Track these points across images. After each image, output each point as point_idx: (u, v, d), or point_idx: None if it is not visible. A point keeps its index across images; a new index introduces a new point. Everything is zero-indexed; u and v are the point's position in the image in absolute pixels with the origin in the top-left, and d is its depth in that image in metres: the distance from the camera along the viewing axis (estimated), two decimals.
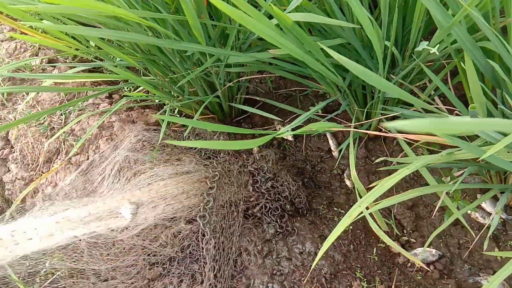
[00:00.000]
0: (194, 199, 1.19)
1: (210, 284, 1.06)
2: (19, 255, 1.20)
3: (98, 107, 1.57)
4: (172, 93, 1.51)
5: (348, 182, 1.50)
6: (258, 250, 1.20)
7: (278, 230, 1.25)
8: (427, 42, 0.79)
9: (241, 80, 1.50)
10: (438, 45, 0.73)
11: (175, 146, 1.45)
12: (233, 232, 1.15)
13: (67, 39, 1.08)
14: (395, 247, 0.96)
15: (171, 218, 1.17)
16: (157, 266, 1.14)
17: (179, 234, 1.17)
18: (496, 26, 0.85)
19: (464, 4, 0.66)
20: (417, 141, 1.02)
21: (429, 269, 1.28)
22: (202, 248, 1.09)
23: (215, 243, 1.10)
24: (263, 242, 1.22)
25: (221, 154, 1.45)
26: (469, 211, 1.35)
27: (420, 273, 1.29)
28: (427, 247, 1.32)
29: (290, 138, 1.65)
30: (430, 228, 1.38)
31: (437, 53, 0.70)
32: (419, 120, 0.27)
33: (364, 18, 0.74)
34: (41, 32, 1.12)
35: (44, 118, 1.51)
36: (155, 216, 1.11)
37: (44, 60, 1.73)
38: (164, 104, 1.63)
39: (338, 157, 1.53)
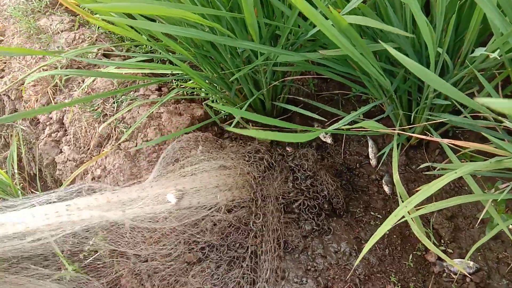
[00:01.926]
0: (236, 191, 1.23)
1: (247, 271, 1.10)
2: (68, 231, 1.29)
3: (148, 98, 1.64)
4: (219, 88, 1.57)
5: (386, 188, 1.50)
6: (294, 245, 1.22)
7: (314, 227, 1.27)
8: (484, 48, 0.80)
9: (287, 79, 1.53)
10: (498, 50, 0.73)
11: (219, 143, 1.50)
12: (272, 226, 1.18)
13: (130, 32, 1.15)
14: (436, 251, 0.96)
15: (212, 207, 1.21)
16: (196, 251, 1.19)
17: (219, 223, 1.22)
18: None
19: None
20: (464, 148, 1.01)
21: (465, 281, 1.27)
22: (246, 237, 1.13)
23: (256, 232, 1.14)
24: (299, 238, 1.24)
25: (262, 151, 1.49)
26: (511, 226, 1.32)
27: (456, 284, 1.27)
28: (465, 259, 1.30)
29: (329, 141, 1.67)
30: (468, 240, 1.36)
31: (498, 57, 0.71)
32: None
33: (422, 21, 0.76)
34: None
35: (98, 105, 1.60)
36: (198, 203, 1.16)
37: (100, 51, 1.83)
38: (209, 100, 1.69)
39: (378, 163, 1.53)
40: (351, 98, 1.74)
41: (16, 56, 1.81)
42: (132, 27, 1.25)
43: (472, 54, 0.85)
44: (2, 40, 2.09)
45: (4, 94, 1.95)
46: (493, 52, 0.74)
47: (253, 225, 1.19)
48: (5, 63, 1.98)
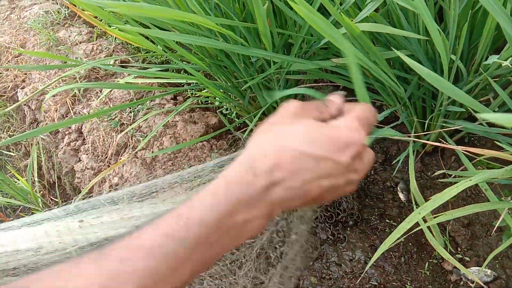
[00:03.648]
0: None
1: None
2: (84, 244, 1.31)
3: (163, 107, 1.67)
4: (233, 97, 1.59)
5: (401, 196, 1.49)
6: (308, 252, 1.23)
7: (329, 236, 1.27)
8: (497, 56, 0.80)
9: (300, 87, 1.54)
10: (511, 58, 0.73)
11: (233, 151, 1.51)
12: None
13: (145, 42, 1.18)
14: (451, 260, 0.95)
15: None
16: None
17: None
18: None
19: None
20: (480, 155, 1.01)
21: None
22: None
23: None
24: (314, 246, 1.25)
25: None
26: None
27: None
28: (481, 267, 1.28)
29: None
30: (486, 248, 1.34)
31: (510, 65, 0.71)
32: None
33: (434, 30, 0.76)
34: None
35: (115, 114, 1.64)
36: None
37: (117, 62, 1.87)
38: (223, 108, 1.71)
39: (394, 171, 1.52)
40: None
41: (36, 70, 1.87)
42: (147, 38, 1.28)
43: (486, 62, 0.85)
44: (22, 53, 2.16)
45: (24, 105, 2.01)
46: (505, 60, 0.74)
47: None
48: (25, 74, 2.05)
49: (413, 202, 1.12)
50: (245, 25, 1.08)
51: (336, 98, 0.52)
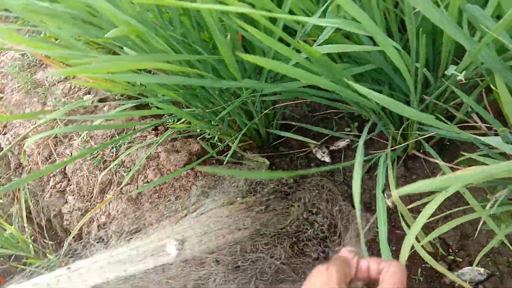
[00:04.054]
0: (237, 234, 1.24)
1: None
2: None
3: (145, 139, 1.68)
4: (213, 123, 1.60)
5: (388, 202, 1.50)
6: (301, 274, 1.23)
7: (320, 254, 1.27)
8: (455, 67, 0.82)
9: (277, 107, 1.56)
10: (464, 71, 0.75)
11: (218, 177, 1.52)
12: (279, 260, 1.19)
13: (117, 81, 1.19)
14: (445, 272, 0.96)
15: (214, 251, 1.22)
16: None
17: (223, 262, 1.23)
18: None
19: (489, 30, 0.69)
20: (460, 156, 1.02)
21: None
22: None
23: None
24: (305, 266, 1.25)
25: (265, 182, 1.50)
26: None
27: None
28: (475, 266, 1.29)
29: (327, 160, 1.69)
30: (477, 247, 1.35)
31: (463, 79, 0.72)
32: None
33: (388, 47, 0.78)
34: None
35: (97, 152, 1.64)
36: (201, 252, 1.17)
37: (95, 98, 1.88)
38: (205, 133, 1.72)
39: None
40: (345, 115, 1.76)
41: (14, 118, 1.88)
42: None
43: (446, 71, 0.87)
44: (2, 97, 2.17)
45: (8, 150, 2.01)
46: (461, 71, 0.75)
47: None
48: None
49: (399, 213, 1.13)
50: (213, 58, 1.09)
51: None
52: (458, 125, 1.25)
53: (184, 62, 1.15)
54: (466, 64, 0.85)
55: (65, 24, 1.11)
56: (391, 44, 0.77)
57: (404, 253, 0.79)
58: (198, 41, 1.18)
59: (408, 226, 1.23)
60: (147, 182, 1.52)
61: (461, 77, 0.71)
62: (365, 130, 1.37)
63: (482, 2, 0.90)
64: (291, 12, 1.03)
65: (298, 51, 0.97)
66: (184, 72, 1.09)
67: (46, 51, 0.92)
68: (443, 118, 1.17)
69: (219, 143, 1.71)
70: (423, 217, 0.78)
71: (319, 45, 0.99)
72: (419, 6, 0.68)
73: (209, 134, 1.71)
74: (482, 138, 0.72)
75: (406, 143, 1.25)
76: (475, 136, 1.07)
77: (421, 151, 1.51)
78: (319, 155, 1.71)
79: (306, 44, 0.83)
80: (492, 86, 0.96)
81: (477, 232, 1.08)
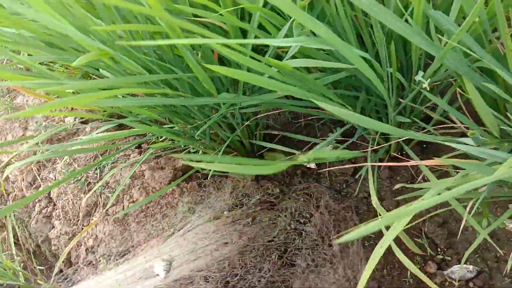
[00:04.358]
0: (225, 249, 1.23)
1: None
2: None
3: (129, 158, 1.67)
4: (195, 137, 1.59)
5: (375, 205, 1.51)
6: (291, 283, 1.22)
7: (309, 263, 1.27)
8: (423, 73, 0.82)
9: (258, 117, 1.56)
10: (433, 76, 0.76)
11: (204, 191, 1.51)
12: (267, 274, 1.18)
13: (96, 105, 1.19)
14: (421, 276, 0.97)
15: (203, 269, 1.21)
16: None
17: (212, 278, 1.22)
18: (493, 46, 0.88)
19: (448, 40, 0.69)
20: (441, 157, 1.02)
21: (468, 286, 1.26)
22: None
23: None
24: (295, 276, 1.24)
25: (252, 195, 1.50)
26: (505, 222, 1.32)
27: None
28: (464, 263, 1.30)
29: (313, 166, 1.69)
30: (464, 244, 1.36)
31: (428, 87, 0.73)
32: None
33: (355, 58, 0.78)
34: None
35: (81, 174, 1.62)
36: (189, 270, 1.16)
37: (77, 119, 1.86)
38: (189, 147, 1.72)
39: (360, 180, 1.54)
40: (327, 121, 1.77)
41: None
42: None
43: (416, 77, 0.88)
44: None
45: None
46: (430, 75, 0.76)
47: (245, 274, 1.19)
48: None
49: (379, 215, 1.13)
50: (188, 75, 1.09)
51: None
52: (436, 126, 1.26)
53: (160, 82, 1.15)
54: (435, 68, 0.86)
55: (35, 50, 1.10)
56: (357, 55, 0.77)
57: (375, 256, 0.79)
58: (171, 59, 1.18)
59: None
60: (133, 201, 1.51)
61: (426, 85, 0.72)
62: (339, 132, 1.38)
63: (446, 6, 0.92)
64: (260, 26, 1.04)
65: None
66: (159, 93, 1.09)
67: (18, 83, 0.91)
68: (418, 121, 1.18)
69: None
70: (395, 230, 0.78)
71: (291, 57, 1.00)
72: (380, 18, 0.69)
73: (193, 149, 1.70)
74: (453, 145, 0.73)
75: (386, 144, 1.26)
76: (451, 138, 1.08)
77: (403, 152, 1.52)
78: (313, 150, 1.71)
79: (275, 60, 0.84)
80: (463, 87, 0.97)
81: (460, 230, 1.09)
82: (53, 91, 0.85)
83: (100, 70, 1.31)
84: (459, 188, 0.44)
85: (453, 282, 1.28)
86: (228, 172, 1.63)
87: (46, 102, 2.08)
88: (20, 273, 1.73)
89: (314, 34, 0.84)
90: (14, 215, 1.84)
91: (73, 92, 1.37)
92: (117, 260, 1.38)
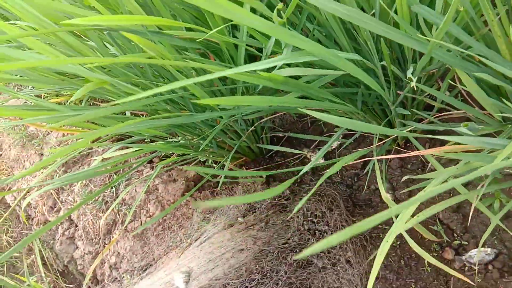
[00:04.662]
0: (241, 255, 1.26)
1: None
2: None
3: (142, 174, 1.71)
4: (204, 148, 1.62)
5: (388, 196, 1.51)
6: (307, 282, 1.24)
7: (325, 262, 1.28)
8: (412, 70, 0.83)
9: (262, 121, 1.57)
10: (416, 77, 0.76)
11: (219, 197, 1.54)
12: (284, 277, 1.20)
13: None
14: (438, 264, 0.97)
15: (221, 278, 1.24)
16: None
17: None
18: (481, 32, 0.87)
19: (431, 37, 0.70)
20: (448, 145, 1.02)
21: (488, 269, 1.26)
22: None
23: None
24: (312, 276, 1.26)
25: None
26: None
27: (479, 275, 1.26)
28: (482, 247, 1.29)
29: (322, 161, 1.70)
30: (481, 227, 1.35)
31: (416, 86, 0.73)
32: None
33: (342, 62, 0.79)
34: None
35: (98, 195, 1.67)
36: (208, 280, 1.19)
37: (89, 142, 1.91)
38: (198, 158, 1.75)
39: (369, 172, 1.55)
40: None
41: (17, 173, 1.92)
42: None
43: (407, 72, 0.88)
44: (1, 154, 2.22)
45: (16, 205, 2.06)
46: (421, 68, 0.76)
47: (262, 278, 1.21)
48: (8, 175, 2.10)
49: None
50: (188, 93, 1.12)
51: None
52: (438, 114, 1.26)
53: (162, 101, 1.18)
54: (424, 62, 0.86)
55: (39, 84, 1.15)
56: (345, 60, 0.78)
57: (382, 251, 0.80)
58: (170, 76, 1.20)
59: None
60: (150, 216, 1.55)
61: (413, 84, 0.72)
62: (338, 132, 1.39)
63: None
64: (251, 36, 1.06)
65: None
66: (162, 111, 1.12)
67: (27, 121, 0.95)
68: (418, 112, 1.18)
69: (214, 165, 1.73)
70: (399, 224, 0.79)
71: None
72: (362, 24, 0.70)
73: (202, 158, 1.73)
74: (448, 138, 0.73)
75: (391, 137, 1.26)
76: (453, 125, 1.08)
77: (410, 142, 1.52)
78: (313, 159, 1.73)
79: (266, 73, 0.85)
80: (458, 76, 0.97)
81: (474, 214, 1.08)
82: (69, 123, 0.89)
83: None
84: (454, 182, 0.45)
85: (472, 266, 1.28)
86: (238, 178, 1.65)
87: (56, 131, 2.13)
88: None
89: None
90: (40, 239, 1.91)
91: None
92: (140, 274, 1.42)
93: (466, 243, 1.33)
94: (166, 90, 0.52)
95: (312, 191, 0.96)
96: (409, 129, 1.04)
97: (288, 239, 1.30)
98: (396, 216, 1.22)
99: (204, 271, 1.21)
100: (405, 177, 1.18)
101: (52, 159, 0.74)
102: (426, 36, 0.84)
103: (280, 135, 1.70)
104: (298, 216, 1.37)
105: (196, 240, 1.36)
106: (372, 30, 0.70)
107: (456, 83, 1.20)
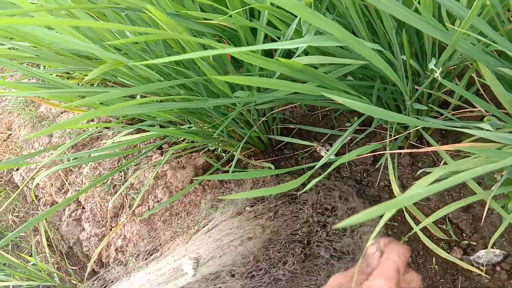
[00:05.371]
0: (249, 244, 1.25)
1: None
2: None
3: (151, 159, 1.71)
4: (214, 136, 1.62)
5: (397, 195, 1.50)
6: (314, 274, 1.24)
7: (333, 254, 1.28)
8: (435, 62, 0.81)
9: (274, 112, 1.57)
10: (444, 65, 0.75)
11: (226, 187, 1.54)
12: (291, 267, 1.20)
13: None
14: (449, 258, 0.96)
15: (228, 264, 1.24)
16: None
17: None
18: (506, 28, 0.86)
19: (456, 28, 0.69)
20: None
21: (496, 271, 1.24)
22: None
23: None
24: (319, 268, 1.26)
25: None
26: None
27: (486, 276, 1.25)
28: (490, 248, 1.28)
29: (332, 156, 1.69)
30: (490, 228, 1.34)
31: (439, 79, 0.72)
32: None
33: (367, 50, 0.78)
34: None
35: (107, 178, 1.67)
36: (216, 266, 1.19)
37: (100, 122, 1.92)
38: (209, 146, 1.74)
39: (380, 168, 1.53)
40: (344, 110, 1.76)
41: (27, 148, 1.93)
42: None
43: (428, 65, 0.87)
44: (11, 134, 2.23)
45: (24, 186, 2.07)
46: (443, 62, 0.75)
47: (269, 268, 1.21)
48: (17, 155, 2.11)
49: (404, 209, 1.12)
50: (203, 79, 1.11)
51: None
52: (455, 111, 1.24)
53: (175, 85, 1.17)
54: (448, 54, 0.85)
55: (52, 63, 1.14)
56: (369, 49, 0.77)
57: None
58: (185, 61, 1.20)
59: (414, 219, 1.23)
60: (157, 201, 1.55)
61: (437, 74, 0.71)
62: (358, 121, 1.38)
63: None
64: (269, 23, 1.05)
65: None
66: (175, 96, 1.11)
67: (35, 93, 0.95)
68: (435, 107, 1.17)
69: (223, 154, 1.73)
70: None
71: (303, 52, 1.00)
72: (387, 9, 0.68)
73: (211, 147, 1.73)
74: (468, 131, 0.72)
75: (406, 132, 1.24)
76: (469, 122, 1.06)
77: (423, 139, 1.50)
78: (323, 153, 1.72)
79: (285, 59, 0.84)
80: (479, 71, 0.95)
81: (484, 214, 1.07)
82: (81, 103, 0.88)
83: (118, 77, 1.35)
84: (467, 174, 0.44)
85: (480, 267, 1.27)
86: (247, 168, 1.65)
87: (68, 111, 2.14)
88: (55, 274, 1.81)
89: None
90: (46, 219, 1.92)
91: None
92: (145, 258, 1.43)
93: (474, 243, 1.32)
94: (180, 61, 0.51)
95: (324, 174, 0.96)
96: (425, 124, 1.03)
97: (297, 229, 1.29)
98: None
99: (212, 257, 1.21)
100: (420, 171, 1.17)
101: (57, 128, 0.73)
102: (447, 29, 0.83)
103: (292, 126, 1.69)
104: (307, 208, 1.36)
105: (204, 226, 1.36)
106: (397, 16, 0.69)
107: (475, 81, 1.19)
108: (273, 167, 1.67)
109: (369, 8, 1.08)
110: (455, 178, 0.46)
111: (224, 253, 1.25)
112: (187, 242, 1.27)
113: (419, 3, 0.85)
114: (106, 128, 1.93)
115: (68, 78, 2.13)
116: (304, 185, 1.57)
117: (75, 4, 1.06)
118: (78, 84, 1.93)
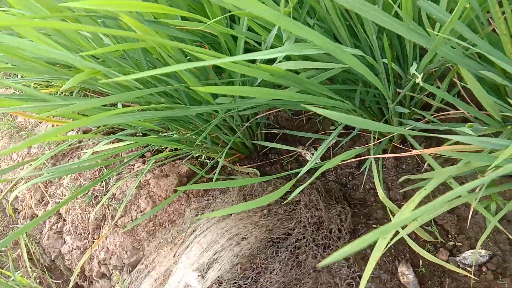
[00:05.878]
0: (240, 244, 1.23)
1: None
2: None
3: (133, 168, 1.67)
4: (197, 143, 1.59)
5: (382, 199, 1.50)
6: (303, 282, 1.22)
7: (320, 260, 1.27)
8: (416, 66, 0.81)
9: (258, 117, 1.55)
10: (425, 68, 0.74)
11: (211, 194, 1.51)
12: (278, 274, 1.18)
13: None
14: (436, 261, 0.96)
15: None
16: None
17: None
18: (486, 31, 0.86)
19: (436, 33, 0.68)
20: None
21: (482, 271, 1.25)
22: None
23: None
24: (307, 274, 1.24)
25: (258, 194, 1.50)
26: None
27: (474, 277, 1.26)
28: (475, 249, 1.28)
29: (317, 160, 1.68)
30: (475, 228, 1.34)
31: (421, 83, 0.72)
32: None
33: (347, 56, 0.77)
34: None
35: (88, 189, 1.63)
36: (219, 271, 1.17)
37: (79, 133, 1.87)
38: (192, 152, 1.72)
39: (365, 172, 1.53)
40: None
41: (4, 158, 1.87)
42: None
43: (410, 69, 0.86)
44: None
45: (2, 198, 2.01)
46: (424, 66, 0.75)
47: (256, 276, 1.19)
48: None
49: (388, 210, 1.12)
50: (184, 85, 1.09)
51: None
52: (437, 113, 1.24)
53: (156, 94, 1.15)
54: (429, 58, 0.84)
55: (28, 73, 1.11)
56: (349, 54, 0.76)
57: (372, 260, 0.79)
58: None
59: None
60: (140, 212, 1.52)
61: (419, 79, 0.71)
62: (341, 126, 1.37)
63: None
64: (250, 29, 1.03)
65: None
66: (156, 104, 1.09)
67: (15, 108, 0.91)
68: (417, 111, 1.17)
69: (207, 161, 1.70)
70: (400, 221, 0.77)
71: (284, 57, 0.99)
72: (368, 15, 0.68)
73: (195, 153, 1.70)
74: (450, 137, 0.72)
75: (388, 137, 1.24)
76: (451, 125, 1.07)
77: (407, 141, 1.51)
78: (308, 157, 1.71)
79: (266, 66, 0.83)
80: (460, 74, 0.96)
81: (469, 216, 1.07)
82: (58, 114, 0.85)
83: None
84: (457, 190, 0.43)
85: (466, 268, 1.27)
86: (232, 174, 1.63)
87: (46, 122, 2.08)
88: None
89: None
90: (26, 233, 1.86)
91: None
92: (129, 271, 1.39)
93: (460, 244, 1.32)
94: (160, 73, 0.49)
95: (308, 182, 0.95)
96: (408, 128, 1.03)
97: (291, 229, 1.28)
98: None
99: (213, 263, 1.19)
100: (402, 178, 1.17)
101: (35, 141, 0.70)
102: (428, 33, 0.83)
103: (275, 131, 1.68)
104: (300, 208, 1.35)
105: (191, 235, 1.33)
106: (377, 22, 0.68)
107: (456, 83, 1.19)
108: (258, 172, 1.65)
109: (349, 13, 1.08)
110: (450, 195, 0.45)
111: (215, 259, 1.23)
112: (175, 256, 1.25)
113: (399, 6, 0.84)
114: (85, 133, 1.88)
115: (47, 87, 2.08)
116: (289, 192, 1.56)
117: (51, 12, 1.03)
118: (57, 93, 1.88)
